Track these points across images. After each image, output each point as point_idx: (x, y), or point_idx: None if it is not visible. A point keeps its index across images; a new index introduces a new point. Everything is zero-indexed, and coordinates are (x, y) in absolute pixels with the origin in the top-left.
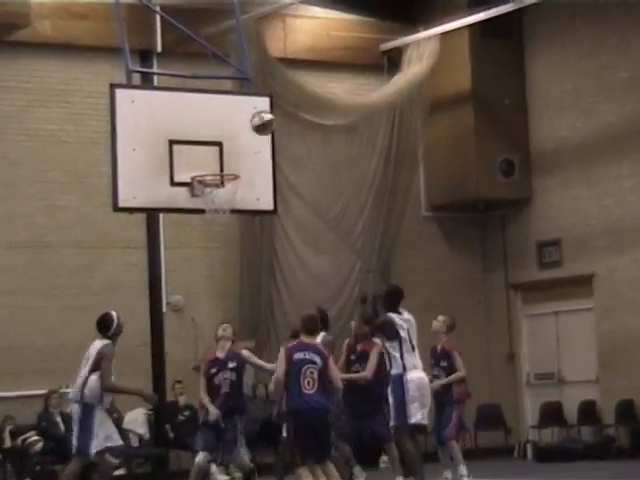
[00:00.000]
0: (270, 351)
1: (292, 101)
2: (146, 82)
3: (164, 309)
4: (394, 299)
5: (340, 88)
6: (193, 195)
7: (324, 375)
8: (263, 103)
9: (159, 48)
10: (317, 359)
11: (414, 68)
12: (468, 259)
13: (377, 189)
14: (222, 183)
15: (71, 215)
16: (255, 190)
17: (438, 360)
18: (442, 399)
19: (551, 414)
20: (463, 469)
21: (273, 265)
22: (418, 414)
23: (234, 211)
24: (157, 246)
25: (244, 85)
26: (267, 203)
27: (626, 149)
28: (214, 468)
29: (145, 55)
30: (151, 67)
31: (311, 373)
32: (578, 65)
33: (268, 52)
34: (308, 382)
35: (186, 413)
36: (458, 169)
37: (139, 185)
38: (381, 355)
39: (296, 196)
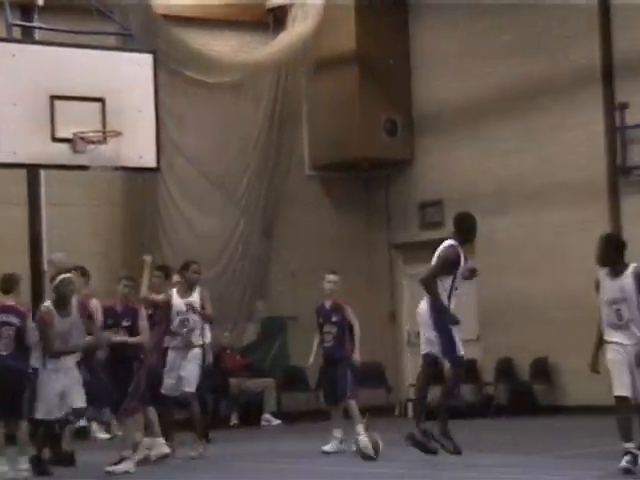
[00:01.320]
0: None
1: (176, 58)
2: (27, 37)
3: (45, 267)
4: None
5: (225, 45)
6: (75, 151)
7: (21, 335)
8: (146, 59)
9: (41, 1)
10: (14, 320)
11: (299, 27)
12: (351, 219)
13: (261, 148)
14: (104, 139)
15: None
16: (138, 147)
17: (329, 316)
18: (334, 356)
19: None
20: (361, 428)
21: (156, 224)
22: None
23: (117, 168)
24: (38, 203)
25: (127, 41)
26: (150, 160)
27: (509, 111)
28: None
29: (26, 9)
30: (32, 21)
31: (8, 334)
32: (462, 27)
33: (152, 8)
34: (5, 343)
35: None
36: (342, 129)
37: (19, 141)
38: None
39: (180, 154)
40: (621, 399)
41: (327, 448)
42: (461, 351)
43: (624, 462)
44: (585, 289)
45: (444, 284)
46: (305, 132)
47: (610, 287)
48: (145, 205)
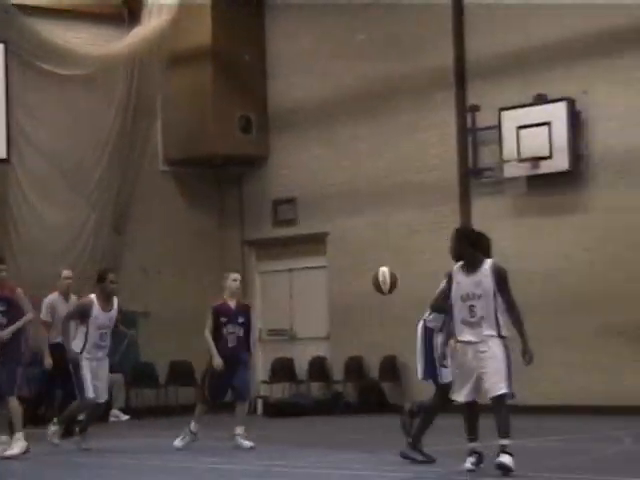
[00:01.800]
0: None
1: (28, 49)
2: None
3: None
4: None
5: (79, 38)
6: None
7: None
8: None
9: None
10: None
11: (154, 21)
12: (204, 215)
13: (114, 142)
14: None
15: None
16: None
17: (235, 317)
18: (239, 357)
19: (282, 370)
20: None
21: (5, 217)
22: None
23: None
24: None
25: None
26: (0, 151)
27: (364, 111)
28: None
29: None
30: None
31: None
32: (317, 26)
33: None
34: None
35: None
36: (196, 124)
37: None
38: None
39: (30, 146)
40: (464, 403)
41: (178, 443)
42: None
43: (468, 463)
44: (435, 289)
45: None
46: (159, 127)
47: (464, 282)
48: None
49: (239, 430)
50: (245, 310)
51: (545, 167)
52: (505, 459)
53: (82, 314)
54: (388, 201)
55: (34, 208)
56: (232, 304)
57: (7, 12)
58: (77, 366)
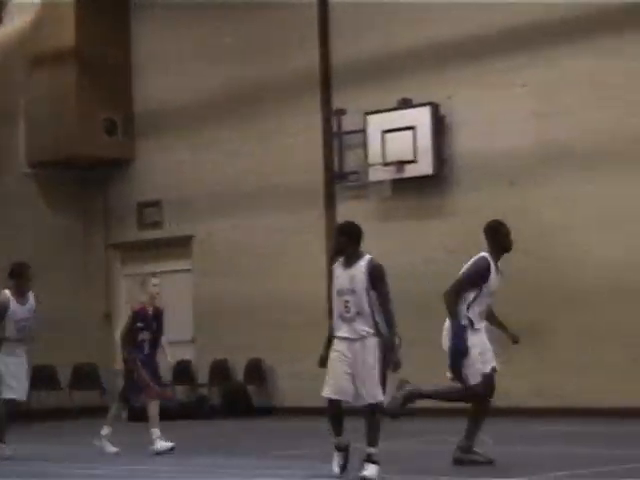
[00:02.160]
0: None
1: None
2: None
3: None
4: None
5: None
6: None
7: None
8: None
9: None
10: None
11: (15, 22)
12: (68, 217)
13: None
14: None
15: None
16: None
17: (152, 323)
18: (152, 363)
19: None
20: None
21: None
22: None
23: None
24: None
25: None
26: None
27: (230, 114)
28: None
29: None
30: None
31: None
32: (183, 29)
33: None
34: None
35: None
36: (60, 126)
37: None
38: None
39: None
40: (330, 400)
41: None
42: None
43: (335, 467)
44: (301, 292)
45: (466, 298)
46: (22, 128)
47: (341, 277)
48: None
49: (157, 432)
50: (159, 315)
51: (410, 171)
52: (369, 471)
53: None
54: (254, 204)
55: None
56: (150, 310)
57: None
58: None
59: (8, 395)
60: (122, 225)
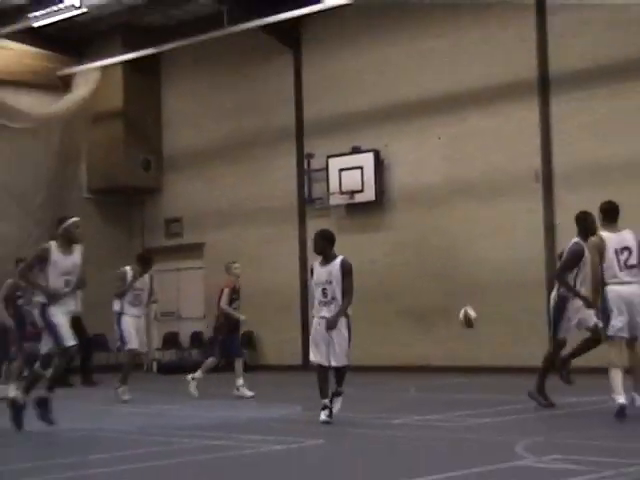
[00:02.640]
0: None
1: None
2: None
3: None
4: None
5: (26, 101)
6: None
7: None
8: None
9: None
10: None
11: (81, 90)
12: (116, 229)
13: (51, 176)
14: None
15: None
16: None
17: (238, 294)
18: (237, 324)
19: (171, 340)
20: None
21: None
22: None
23: None
24: None
25: None
26: None
27: (230, 156)
28: None
29: None
30: None
31: None
32: (197, 95)
33: None
34: None
35: None
36: (111, 164)
37: None
38: None
39: None
40: (318, 364)
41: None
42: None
43: (323, 415)
44: (280, 283)
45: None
46: (84, 166)
47: (320, 272)
48: None
49: (240, 382)
50: (239, 289)
51: (358, 198)
52: (337, 405)
53: (41, 260)
54: (247, 220)
55: None
56: (237, 285)
57: None
58: (46, 314)
59: (131, 346)
60: (154, 235)
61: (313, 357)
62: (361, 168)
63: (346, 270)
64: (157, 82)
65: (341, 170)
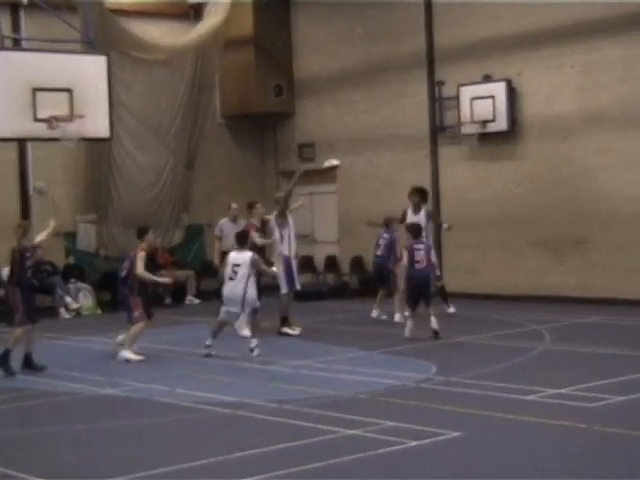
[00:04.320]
0: (108, 220)
1: (124, 43)
2: (16, 44)
3: (31, 193)
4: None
5: (159, 32)
6: (50, 128)
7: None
8: (101, 60)
9: (25, 1)
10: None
11: (212, 18)
12: (250, 154)
13: (185, 104)
14: (71, 120)
15: None
16: (96, 124)
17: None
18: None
19: (306, 264)
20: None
21: (110, 159)
22: None
23: (80, 140)
24: (25, 146)
25: (87, 46)
26: (104, 133)
27: (361, 82)
28: None
29: (14, 7)
30: (18, 16)
31: None
32: (328, 20)
33: (105, 6)
34: None
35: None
36: (244, 90)
37: (10, 121)
38: None
39: (126, 110)
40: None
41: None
42: None
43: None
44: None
45: None
46: (217, 93)
47: (412, 217)
48: (102, 146)
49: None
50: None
51: (490, 127)
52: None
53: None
54: (379, 146)
55: (129, 153)
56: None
57: (106, 16)
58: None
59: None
60: (287, 159)
61: None
62: (493, 97)
63: (430, 216)
64: (287, 8)
65: (472, 99)
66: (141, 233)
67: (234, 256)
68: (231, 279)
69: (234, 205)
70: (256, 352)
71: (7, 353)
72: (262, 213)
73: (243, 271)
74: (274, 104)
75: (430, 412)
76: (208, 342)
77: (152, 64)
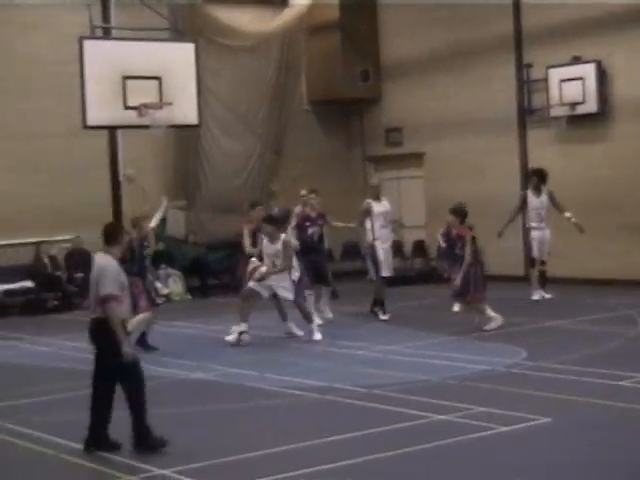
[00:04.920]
0: (196, 206)
1: (211, 30)
2: (106, 34)
3: (121, 180)
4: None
5: (245, 18)
6: (140, 116)
7: None
8: (190, 47)
9: None
10: None
11: (298, 3)
12: (337, 139)
13: (272, 91)
14: (161, 107)
15: (52, 114)
16: (184, 111)
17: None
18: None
19: (394, 249)
20: None
21: (198, 146)
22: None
23: (169, 126)
24: (115, 134)
25: (175, 35)
26: (192, 119)
27: (449, 65)
28: None
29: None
30: (108, 6)
31: None
32: (415, 4)
33: None
34: None
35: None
36: (330, 75)
37: (101, 109)
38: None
39: (214, 97)
40: None
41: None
42: None
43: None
44: (498, 193)
45: None
46: (304, 79)
47: (534, 200)
48: (190, 133)
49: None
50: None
51: (580, 109)
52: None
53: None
54: (467, 130)
55: (217, 140)
56: (312, 214)
57: (193, 3)
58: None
59: (385, 274)
60: (374, 144)
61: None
62: (582, 79)
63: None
64: None
65: (561, 81)
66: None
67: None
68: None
69: (303, 192)
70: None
71: (143, 336)
72: (315, 203)
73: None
74: (360, 89)
75: (520, 397)
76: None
77: (239, 51)
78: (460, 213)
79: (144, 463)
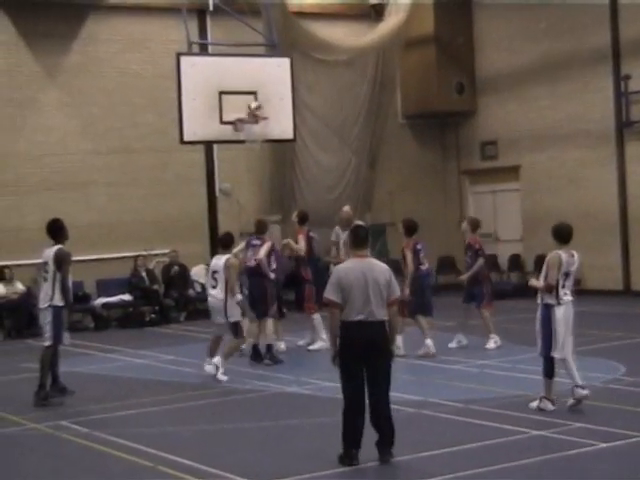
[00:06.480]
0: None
1: (306, 44)
2: (203, 50)
3: (217, 194)
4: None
5: (340, 33)
6: (236, 131)
7: None
8: (285, 62)
9: (211, 7)
10: None
11: (393, 17)
12: (431, 153)
13: (367, 105)
14: (256, 122)
15: (150, 128)
16: (280, 125)
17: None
18: None
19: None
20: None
21: (293, 160)
22: None
23: (265, 141)
24: (211, 148)
25: (271, 50)
26: (288, 134)
27: (544, 78)
28: None
29: (201, 13)
30: (205, 22)
31: None
32: (510, 18)
33: (287, 9)
34: None
35: None
36: (425, 89)
37: (198, 124)
38: None
39: (309, 112)
40: None
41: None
42: None
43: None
44: (598, 205)
45: None
46: (398, 93)
47: None
48: (285, 147)
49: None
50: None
51: None
52: None
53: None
54: (563, 143)
55: (312, 154)
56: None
57: (288, 18)
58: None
59: None
60: (469, 157)
61: None
62: None
63: None
64: (467, 5)
65: None
66: None
67: (213, 262)
68: (213, 287)
69: (345, 208)
70: (220, 376)
71: (270, 347)
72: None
73: (221, 277)
74: (456, 102)
75: (619, 413)
76: (211, 362)
77: (334, 65)
78: (472, 223)
79: (242, 476)
